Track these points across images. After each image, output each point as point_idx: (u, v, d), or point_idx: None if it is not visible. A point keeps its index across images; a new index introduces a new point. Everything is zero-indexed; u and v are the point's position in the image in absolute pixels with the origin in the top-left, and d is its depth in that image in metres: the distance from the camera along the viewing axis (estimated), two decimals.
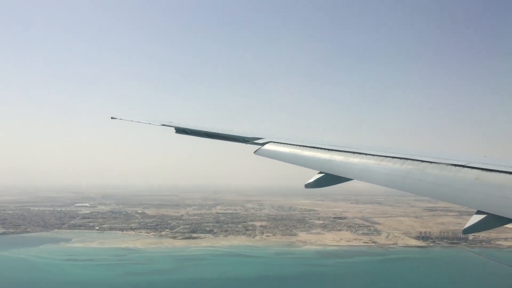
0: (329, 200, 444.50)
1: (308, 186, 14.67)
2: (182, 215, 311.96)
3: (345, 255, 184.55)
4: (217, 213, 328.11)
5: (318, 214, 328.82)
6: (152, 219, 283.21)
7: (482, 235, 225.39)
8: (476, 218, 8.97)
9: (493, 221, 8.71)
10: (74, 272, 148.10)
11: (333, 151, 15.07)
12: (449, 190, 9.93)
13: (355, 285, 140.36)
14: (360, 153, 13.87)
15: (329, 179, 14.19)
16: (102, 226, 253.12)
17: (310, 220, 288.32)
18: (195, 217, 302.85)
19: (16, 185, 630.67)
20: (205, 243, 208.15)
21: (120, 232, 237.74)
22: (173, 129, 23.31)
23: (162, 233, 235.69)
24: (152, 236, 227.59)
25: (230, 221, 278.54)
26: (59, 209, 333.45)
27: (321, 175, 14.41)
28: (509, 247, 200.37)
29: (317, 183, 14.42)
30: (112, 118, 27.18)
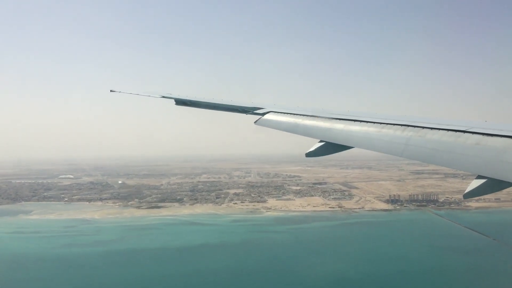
0: (319, 166, 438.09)
1: (309, 155, 14.49)
2: (162, 184, 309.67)
3: (302, 221, 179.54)
4: (198, 181, 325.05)
5: (300, 180, 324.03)
6: (128, 189, 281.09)
7: (454, 196, 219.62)
8: (477, 183, 9.11)
9: (493, 185, 8.86)
10: (11, 245, 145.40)
11: (334, 120, 15.00)
12: (449, 156, 9.97)
13: (293, 250, 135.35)
14: (360, 121, 13.78)
15: (329, 147, 14.10)
16: (72, 197, 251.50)
17: (288, 187, 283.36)
18: (174, 186, 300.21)
19: (14, 159, 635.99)
20: (166, 212, 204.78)
21: (87, 203, 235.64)
22: (173, 101, 23.28)
23: (129, 203, 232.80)
24: (117, 206, 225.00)
25: (206, 190, 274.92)
26: (40, 181, 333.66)
27: (321, 143, 14.30)
28: (477, 208, 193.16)
29: (318, 152, 14.31)
30: (111, 91, 26.79)
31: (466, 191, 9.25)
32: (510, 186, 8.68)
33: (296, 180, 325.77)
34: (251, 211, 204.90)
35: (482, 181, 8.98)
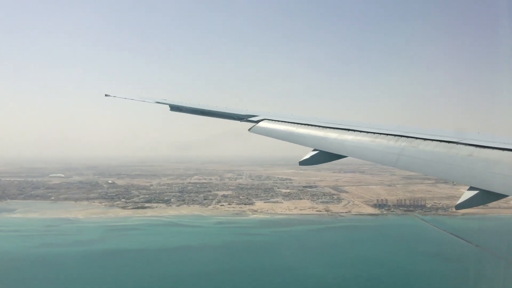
0: (312, 170, 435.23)
1: (302, 163, 14.73)
2: (152, 185, 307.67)
3: (287, 224, 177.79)
4: (188, 182, 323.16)
5: (291, 183, 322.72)
6: (117, 189, 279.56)
7: (442, 202, 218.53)
8: (469, 194, 9.11)
9: (485, 197, 8.86)
10: None
11: (328, 129, 15.14)
12: (442, 167, 10.03)
13: (274, 253, 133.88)
14: (354, 130, 13.90)
15: (323, 156, 14.23)
16: (59, 196, 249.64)
17: (277, 189, 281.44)
18: (164, 186, 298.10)
19: (7, 157, 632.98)
20: (151, 213, 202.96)
21: (74, 202, 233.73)
22: (167, 107, 23.43)
23: (115, 203, 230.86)
24: (103, 206, 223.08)
25: (195, 191, 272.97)
26: (30, 179, 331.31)
27: (315, 152, 14.38)
28: (463, 214, 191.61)
29: (311, 160, 14.41)
30: (106, 95, 26.49)
31: (458, 202, 9.33)
32: (501, 198, 8.72)
33: (287, 183, 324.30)
34: (237, 213, 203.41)
35: (474, 192, 8.98)
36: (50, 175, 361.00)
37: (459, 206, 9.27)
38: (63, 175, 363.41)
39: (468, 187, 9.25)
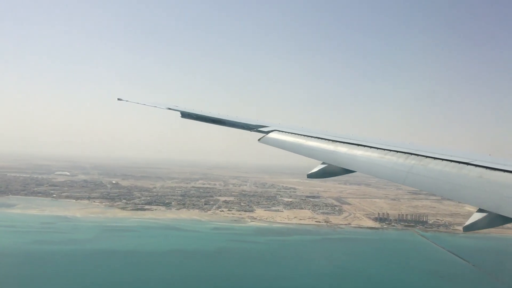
0: (318, 180, 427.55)
1: (310, 176, 14.83)
2: (155, 187, 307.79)
3: (284, 233, 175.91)
4: (192, 187, 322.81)
5: (295, 192, 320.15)
6: (120, 190, 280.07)
7: (445, 219, 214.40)
8: (477, 216, 9.13)
9: (494, 220, 8.86)
10: None
11: (337, 143, 15.10)
12: (451, 187, 9.86)
13: (265, 262, 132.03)
14: (364, 146, 13.87)
15: (332, 170, 14.29)
16: (62, 194, 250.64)
17: (280, 198, 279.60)
18: (167, 189, 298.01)
19: (17, 152, 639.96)
20: (150, 215, 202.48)
21: (74, 200, 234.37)
22: (179, 113, 23.56)
23: (116, 203, 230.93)
24: (103, 206, 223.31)
25: (197, 195, 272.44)
26: (36, 176, 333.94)
27: (324, 165, 14.48)
28: (465, 232, 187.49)
29: (320, 174, 14.49)
30: (118, 99, 26.74)
31: (465, 224, 9.27)
32: (510, 222, 8.50)
33: (290, 192, 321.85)
34: (235, 220, 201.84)
35: (483, 214, 8.94)
36: (56, 173, 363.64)
37: (467, 228, 9.11)
38: (68, 173, 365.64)
39: (476, 209, 9.19)
